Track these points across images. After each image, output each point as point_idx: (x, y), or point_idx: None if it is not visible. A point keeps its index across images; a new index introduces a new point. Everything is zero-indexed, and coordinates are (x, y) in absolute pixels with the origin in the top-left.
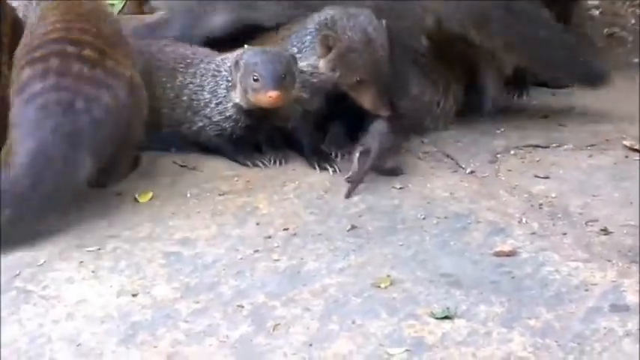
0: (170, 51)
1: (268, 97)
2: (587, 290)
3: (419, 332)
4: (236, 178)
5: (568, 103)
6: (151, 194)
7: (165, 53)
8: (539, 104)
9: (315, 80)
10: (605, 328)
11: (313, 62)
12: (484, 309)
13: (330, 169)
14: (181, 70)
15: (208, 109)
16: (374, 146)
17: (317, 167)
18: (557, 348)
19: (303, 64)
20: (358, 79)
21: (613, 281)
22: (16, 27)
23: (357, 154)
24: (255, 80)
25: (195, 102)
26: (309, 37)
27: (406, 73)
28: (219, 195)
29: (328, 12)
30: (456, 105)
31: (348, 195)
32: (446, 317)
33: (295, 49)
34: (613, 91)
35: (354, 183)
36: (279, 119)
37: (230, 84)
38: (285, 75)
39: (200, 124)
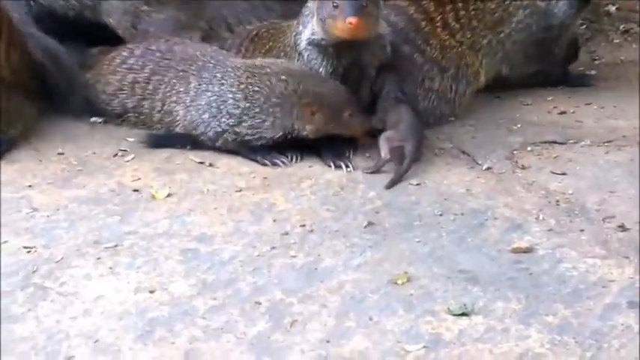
0: (179, 50)
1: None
2: (604, 287)
3: (436, 329)
4: (253, 175)
5: (585, 100)
6: (168, 191)
7: (174, 53)
8: (556, 100)
9: (317, 38)
10: (622, 324)
11: (312, 25)
12: (501, 305)
13: (345, 168)
14: (194, 73)
15: (233, 120)
16: (410, 141)
17: (332, 165)
18: (574, 344)
19: (306, 32)
20: (334, 3)
21: (630, 278)
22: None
23: (385, 143)
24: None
25: (214, 108)
26: (307, 6)
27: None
28: (236, 191)
29: None
30: (474, 84)
31: (391, 185)
32: (463, 314)
33: (301, 27)
34: (630, 87)
35: (397, 179)
36: None
37: (272, 117)
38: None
39: (219, 129)
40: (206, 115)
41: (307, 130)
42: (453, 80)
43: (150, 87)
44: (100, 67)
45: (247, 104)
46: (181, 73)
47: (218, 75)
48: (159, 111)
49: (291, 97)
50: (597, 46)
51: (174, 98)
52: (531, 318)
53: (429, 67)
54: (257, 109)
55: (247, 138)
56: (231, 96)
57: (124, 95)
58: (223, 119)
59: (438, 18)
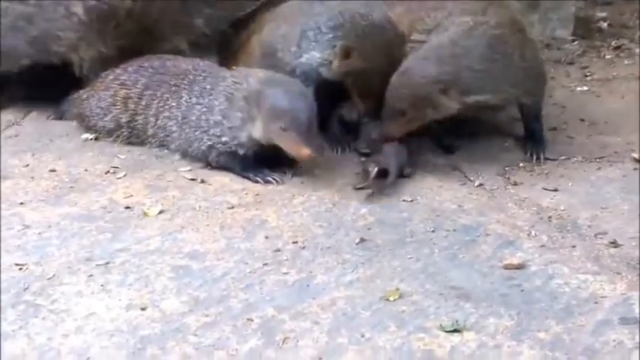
0: (171, 65)
1: (303, 154)
2: (596, 303)
3: (428, 345)
4: (245, 192)
5: (576, 116)
6: (159, 208)
7: (166, 68)
8: (548, 116)
9: (322, 73)
10: (614, 340)
11: (326, 56)
12: (493, 322)
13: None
14: (185, 87)
15: (219, 129)
16: (392, 164)
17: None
18: None
19: (314, 54)
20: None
21: (622, 294)
22: None
23: (373, 170)
24: (283, 130)
25: (204, 121)
26: (325, 32)
27: None
28: (228, 208)
29: (345, 13)
30: None
31: (369, 198)
32: (455, 330)
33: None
34: (622, 103)
35: (376, 191)
36: None
37: (244, 115)
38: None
39: (209, 142)
40: (197, 132)
41: (254, 132)
42: None
43: (143, 102)
44: (94, 84)
45: (229, 109)
46: (174, 88)
47: (208, 87)
48: (152, 126)
49: (255, 99)
50: (589, 62)
51: (166, 114)
52: (523, 334)
53: None
54: (237, 112)
55: (233, 148)
56: (217, 103)
57: (118, 110)
58: (211, 130)
59: None
